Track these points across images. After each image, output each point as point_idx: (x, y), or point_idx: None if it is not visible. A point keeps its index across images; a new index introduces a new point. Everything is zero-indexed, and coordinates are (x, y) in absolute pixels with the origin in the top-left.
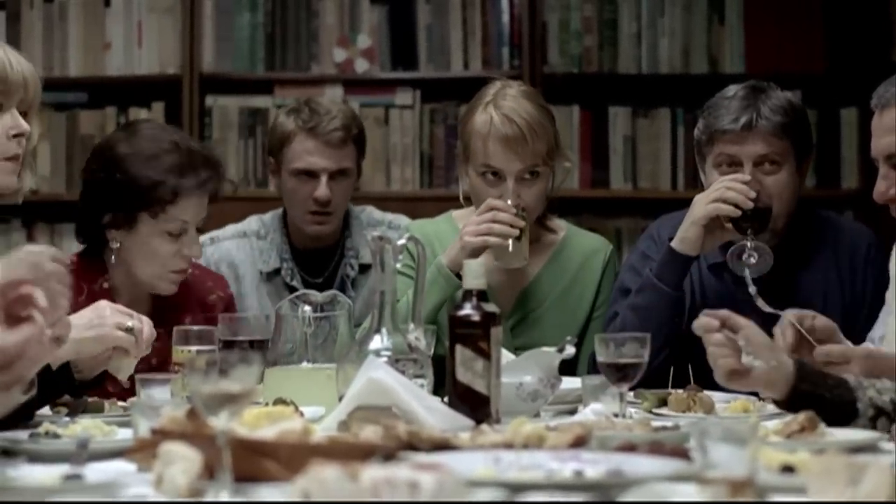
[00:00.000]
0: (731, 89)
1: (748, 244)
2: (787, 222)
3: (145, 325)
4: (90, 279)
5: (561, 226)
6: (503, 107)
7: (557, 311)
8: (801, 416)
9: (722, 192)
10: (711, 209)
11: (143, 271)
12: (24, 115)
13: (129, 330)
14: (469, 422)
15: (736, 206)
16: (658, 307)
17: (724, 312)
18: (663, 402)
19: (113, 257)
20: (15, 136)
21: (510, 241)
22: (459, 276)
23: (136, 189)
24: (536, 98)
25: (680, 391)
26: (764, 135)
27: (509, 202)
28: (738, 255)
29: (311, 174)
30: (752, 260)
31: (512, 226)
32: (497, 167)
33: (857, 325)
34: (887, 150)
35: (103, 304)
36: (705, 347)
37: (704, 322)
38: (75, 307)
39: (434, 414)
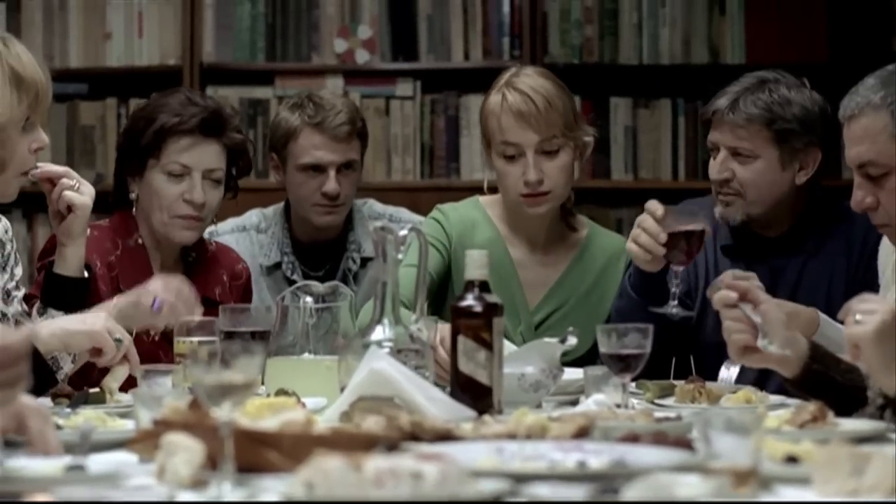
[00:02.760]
0: (749, 75)
1: (672, 273)
2: (779, 213)
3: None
4: (124, 235)
5: (583, 223)
6: (515, 83)
7: (582, 310)
8: (812, 406)
9: (636, 234)
10: (629, 249)
11: (155, 219)
12: (46, 109)
13: (117, 341)
14: (471, 412)
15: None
16: (633, 312)
17: (745, 285)
18: (665, 393)
19: (134, 209)
20: (35, 150)
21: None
22: None
23: (137, 132)
24: (550, 76)
25: (682, 382)
26: (732, 126)
27: (532, 176)
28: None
29: (318, 168)
30: (674, 289)
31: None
32: (513, 141)
33: None
34: (858, 159)
35: (102, 313)
36: (722, 320)
37: (723, 296)
38: (111, 263)
39: (436, 404)
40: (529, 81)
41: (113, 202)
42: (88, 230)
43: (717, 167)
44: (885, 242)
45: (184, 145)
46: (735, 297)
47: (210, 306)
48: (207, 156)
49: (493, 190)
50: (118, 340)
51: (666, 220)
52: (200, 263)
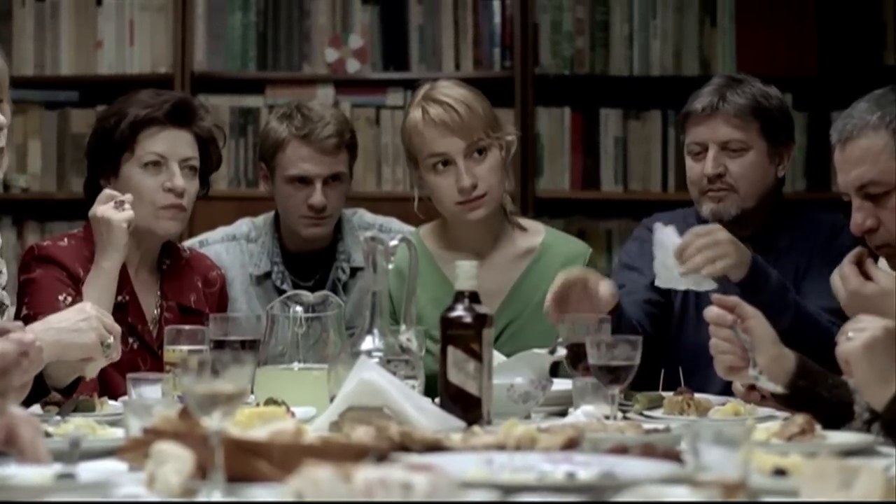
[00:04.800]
0: (715, 77)
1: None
2: (759, 209)
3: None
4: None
5: (538, 229)
6: (433, 96)
7: (538, 319)
8: (800, 419)
9: None
10: None
11: (137, 215)
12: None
13: (107, 346)
14: (460, 423)
15: None
16: None
17: (734, 299)
18: (654, 404)
19: None
20: None
21: None
22: None
23: (108, 130)
24: (464, 84)
25: (671, 394)
26: (726, 117)
27: (466, 182)
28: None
29: (305, 180)
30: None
31: None
32: (441, 151)
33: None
34: (858, 181)
35: (88, 308)
36: (711, 336)
37: (718, 315)
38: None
39: (426, 415)
40: (446, 91)
41: (59, 209)
42: (65, 240)
43: (710, 164)
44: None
45: (157, 135)
46: (731, 318)
47: (186, 314)
48: (181, 145)
49: (421, 201)
50: (108, 346)
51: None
52: (175, 270)
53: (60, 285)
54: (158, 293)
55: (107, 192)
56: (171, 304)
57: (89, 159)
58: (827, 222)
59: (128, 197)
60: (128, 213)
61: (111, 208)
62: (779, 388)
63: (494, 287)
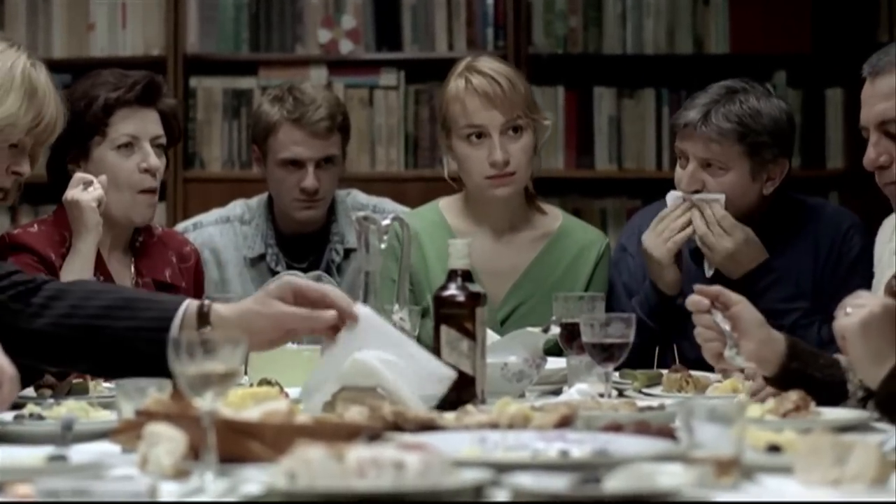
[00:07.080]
0: (716, 85)
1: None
2: (746, 215)
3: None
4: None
5: (556, 214)
6: (477, 67)
7: (548, 305)
8: (794, 395)
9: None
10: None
11: (113, 200)
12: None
13: None
14: (449, 372)
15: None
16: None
17: (717, 288)
18: (653, 382)
19: None
20: (14, 172)
21: None
22: None
23: (77, 113)
24: (506, 62)
25: (667, 371)
26: (706, 138)
27: (499, 156)
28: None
29: (297, 164)
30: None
31: None
32: (479, 123)
33: (829, 303)
34: (881, 116)
35: None
36: (694, 324)
37: (695, 301)
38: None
39: (414, 362)
40: (490, 65)
41: (52, 193)
42: (35, 226)
43: (686, 178)
44: (884, 227)
45: (129, 116)
46: (707, 303)
47: (162, 289)
48: (150, 123)
49: (453, 179)
50: None
51: None
52: (147, 248)
53: (33, 271)
54: (133, 271)
55: (78, 175)
56: (146, 281)
57: (55, 143)
58: (828, 223)
59: (101, 179)
60: (96, 192)
61: (80, 190)
62: (750, 365)
63: (508, 267)
